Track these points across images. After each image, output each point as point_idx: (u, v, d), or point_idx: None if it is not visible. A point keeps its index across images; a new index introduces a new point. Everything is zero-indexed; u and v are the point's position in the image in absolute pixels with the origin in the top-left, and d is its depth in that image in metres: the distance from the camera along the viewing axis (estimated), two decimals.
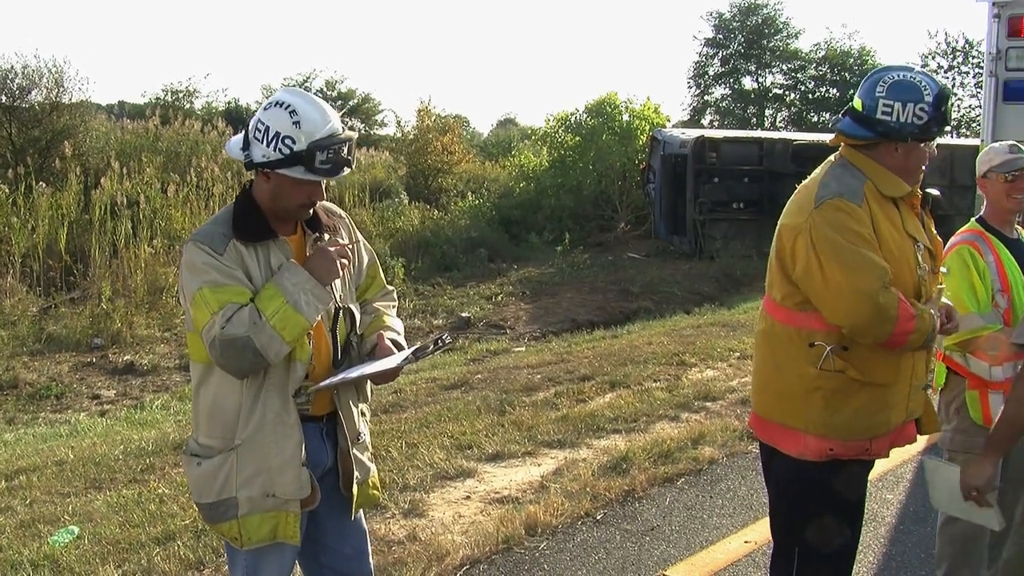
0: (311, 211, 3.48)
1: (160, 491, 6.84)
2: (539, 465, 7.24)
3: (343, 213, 3.76)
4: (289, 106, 3.26)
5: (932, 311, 3.62)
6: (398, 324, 3.83)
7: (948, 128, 3.76)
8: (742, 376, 10.00)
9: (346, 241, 3.61)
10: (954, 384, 4.61)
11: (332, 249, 3.44)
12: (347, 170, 3.37)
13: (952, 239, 4.64)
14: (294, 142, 3.22)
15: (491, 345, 14.24)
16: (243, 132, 3.38)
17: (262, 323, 3.17)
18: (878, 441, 3.75)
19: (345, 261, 3.50)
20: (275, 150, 3.24)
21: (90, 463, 7.83)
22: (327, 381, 3.48)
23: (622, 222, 25.86)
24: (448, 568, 5.45)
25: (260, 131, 3.28)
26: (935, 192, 3.97)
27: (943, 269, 4.14)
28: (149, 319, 15.53)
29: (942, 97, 3.64)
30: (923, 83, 3.66)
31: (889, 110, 3.66)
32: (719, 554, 5.71)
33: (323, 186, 3.42)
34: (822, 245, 3.58)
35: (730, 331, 12.97)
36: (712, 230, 21.88)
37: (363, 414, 3.78)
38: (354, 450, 3.68)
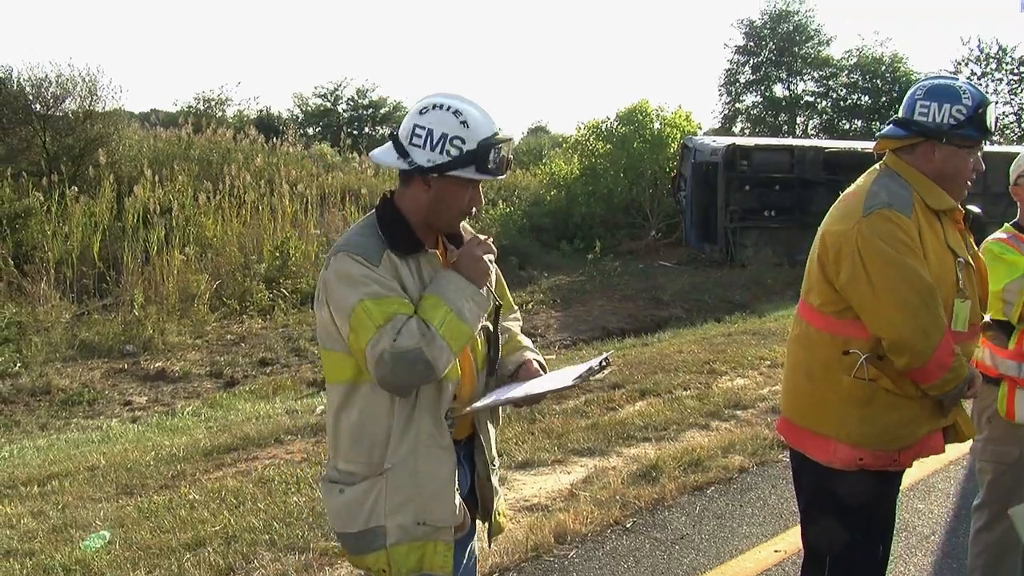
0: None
1: (191, 497, 6.88)
2: (569, 473, 7.23)
3: (474, 232, 3.56)
4: (451, 108, 3.15)
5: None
6: (531, 344, 3.71)
7: (989, 138, 3.70)
8: (772, 384, 9.96)
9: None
10: (986, 393, 4.57)
11: (478, 248, 3.29)
12: (509, 171, 3.26)
13: (984, 242, 4.62)
14: (464, 142, 3.11)
15: None
16: (390, 142, 3.24)
17: (432, 334, 3.00)
18: (905, 452, 3.73)
19: (492, 257, 3.35)
20: (442, 152, 3.11)
21: (121, 469, 7.88)
22: (482, 402, 3.31)
23: (653, 230, 25.83)
24: None
25: (421, 136, 3.14)
26: (976, 209, 3.96)
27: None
28: (181, 326, 15.63)
29: (982, 103, 3.64)
30: (963, 88, 3.68)
31: (926, 111, 3.69)
32: (749, 563, 5.68)
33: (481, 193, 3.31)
34: (871, 255, 3.55)
35: (761, 339, 12.92)
36: (743, 238, 21.82)
37: (495, 437, 3.63)
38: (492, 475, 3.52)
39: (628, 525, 6.22)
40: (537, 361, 3.56)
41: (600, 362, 3.33)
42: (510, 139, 3.22)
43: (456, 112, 3.13)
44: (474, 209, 3.29)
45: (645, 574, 5.55)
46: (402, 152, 3.17)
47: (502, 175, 3.21)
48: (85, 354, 14.30)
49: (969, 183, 3.75)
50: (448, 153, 3.10)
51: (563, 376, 3.44)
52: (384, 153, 3.23)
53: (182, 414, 11.43)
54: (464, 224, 3.47)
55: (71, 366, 13.72)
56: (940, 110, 3.66)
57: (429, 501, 3.18)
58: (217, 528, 6.13)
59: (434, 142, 3.11)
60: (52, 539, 6.23)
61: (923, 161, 3.71)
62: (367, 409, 3.16)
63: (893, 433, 3.68)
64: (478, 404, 3.29)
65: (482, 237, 3.35)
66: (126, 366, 13.88)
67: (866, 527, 3.83)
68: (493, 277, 3.44)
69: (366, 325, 2.98)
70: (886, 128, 3.85)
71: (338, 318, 3.08)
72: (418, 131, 3.14)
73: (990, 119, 3.66)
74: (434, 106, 3.16)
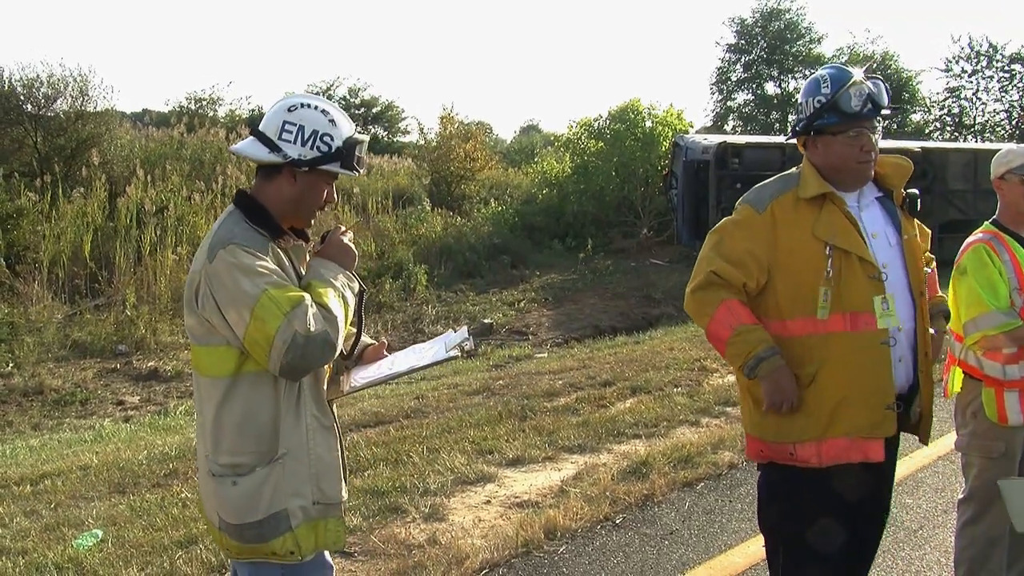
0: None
1: (183, 495, 6.90)
2: (559, 470, 7.26)
3: None
4: (319, 107, 3.29)
5: (767, 346, 3.71)
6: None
7: (862, 118, 3.74)
8: None
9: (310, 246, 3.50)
10: (970, 388, 4.61)
11: (344, 238, 3.44)
12: (364, 168, 3.42)
13: (968, 240, 4.65)
14: (332, 139, 3.24)
15: (513, 351, 14.27)
16: (253, 137, 3.30)
17: (332, 316, 3.11)
18: (803, 447, 3.78)
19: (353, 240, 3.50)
20: (313, 147, 3.23)
21: (114, 468, 7.90)
22: (360, 382, 3.51)
23: (645, 228, 25.84)
24: (467, 572, 5.46)
25: (291, 132, 3.23)
26: (914, 191, 4.02)
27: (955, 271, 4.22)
28: (173, 325, 15.65)
29: (840, 87, 3.71)
30: (824, 77, 3.78)
31: (800, 109, 3.88)
32: (737, 557, 5.71)
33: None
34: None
35: None
36: None
37: None
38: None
39: (618, 521, 6.26)
40: (372, 344, 3.74)
41: (463, 341, 3.55)
42: (366, 140, 3.39)
43: (324, 112, 3.28)
44: (333, 201, 3.46)
45: (635, 569, 5.58)
46: (272, 146, 3.24)
47: (361, 171, 3.39)
48: (77, 354, 14.34)
49: (862, 165, 3.79)
50: (318, 149, 3.24)
51: (433, 349, 3.62)
52: (251, 147, 3.29)
53: (174, 413, 11.47)
54: None
55: (63, 366, 13.74)
56: (807, 105, 3.82)
57: (321, 480, 3.29)
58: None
59: (305, 138, 3.23)
60: (45, 538, 6.25)
61: (814, 155, 3.86)
62: (251, 401, 3.18)
63: (783, 426, 3.81)
64: (357, 384, 3.50)
65: (342, 227, 3.51)
66: (118, 366, 13.91)
67: (807, 520, 3.84)
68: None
69: (273, 313, 3.00)
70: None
71: (233, 310, 3.06)
72: (288, 127, 3.24)
73: (851, 100, 3.69)
74: (302, 104, 3.30)
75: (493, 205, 27.33)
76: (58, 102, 22.41)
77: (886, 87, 3.81)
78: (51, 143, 21.72)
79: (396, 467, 7.26)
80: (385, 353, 3.70)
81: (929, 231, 4.19)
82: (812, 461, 3.77)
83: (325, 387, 3.40)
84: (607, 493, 6.59)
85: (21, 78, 22.18)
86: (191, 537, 5.99)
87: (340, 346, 3.19)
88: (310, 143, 3.23)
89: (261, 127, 3.29)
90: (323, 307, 3.11)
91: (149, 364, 13.98)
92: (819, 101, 3.76)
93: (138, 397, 12.77)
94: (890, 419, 3.76)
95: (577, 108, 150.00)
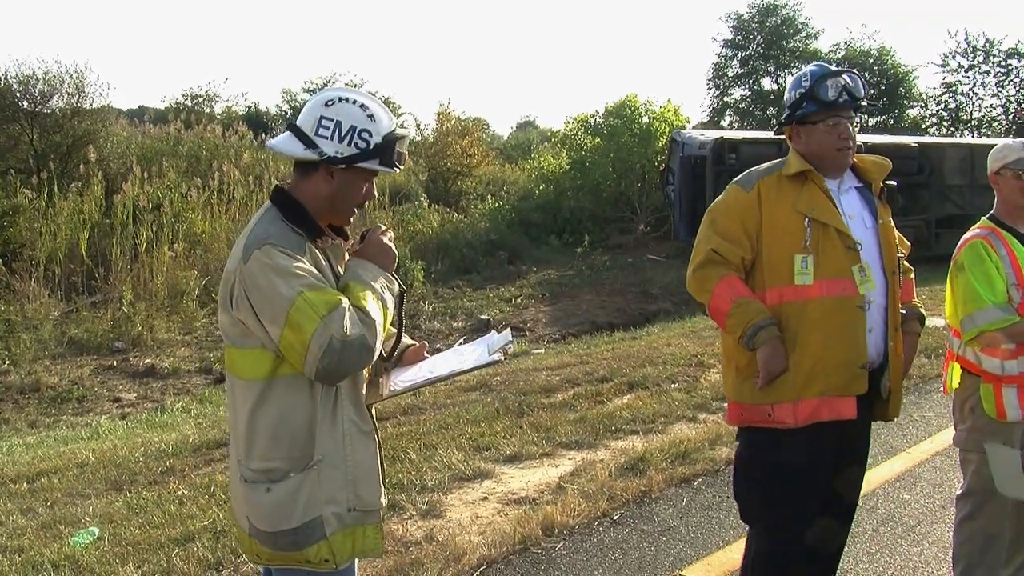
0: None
1: (180, 492, 6.89)
2: (556, 466, 7.25)
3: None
4: (357, 101, 3.18)
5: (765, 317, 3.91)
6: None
7: (839, 107, 4.07)
8: None
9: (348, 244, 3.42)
10: (968, 383, 4.60)
11: (384, 237, 3.35)
12: (404, 165, 3.34)
13: (965, 235, 4.65)
14: (371, 135, 3.14)
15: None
16: (291, 132, 3.21)
17: (370, 320, 3.02)
18: (780, 408, 3.97)
19: (392, 239, 3.41)
20: (350, 144, 3.13)
21: (111, 465, 7.89)
22: (401, 386, 3.45)
23: (642, 224, 25.86)
24: (465, 568, 5.45)
25: (328, 127, 3.13)
26: (892, 183, 4.27)
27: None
28: (170, 322, 15.64)
29: (819, 79, 4.04)
30: (806, 72, 4.14)
31: (785, 101, 4.22)
32: (735, 554, 5.68)
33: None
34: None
35: None
36: None
37: None
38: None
39: (615, 517, 6.24)
40: (412, 345, 3.71)
41: (506, 344, 3.53)
42: (408, 135, 3.30)
43: (363, 106, 3.18)
44: (371, 198, 3.38)
45: (632, 566, 5.57)
46: (308, 142, 3.15)
47: (400, 168, 3.29)
48: (74, 351, 14.31)
49: (841, 152, 4.05)
50: (356, 145, 3.14)
51: (476, 352, 3.58)
52: (287, 143, 3.19)
53: (171, 410, 11.46)
54: None
55: (60, 363, 13.72)
56: (790, 99, 4.16)
57: (358, 487, 3.21)
58: (206, 523, 6.13)
59: (342, 134, 3.13)
60: (41, 535, 6.24)
61: (798, 144, 4.15)
62: (286, 404, 3.10)
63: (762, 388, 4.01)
64: (397, 388, 3.44)
65: (382, 227, 3.42)
66: (115, 363, 13.89)
67: (775, 489, 4.08)
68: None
69: (310, 316, 2.92)
70: None
71: (268, 312, 2.98)
72: (325, 123, 3.15)
73: (828, 90, 4.01)
74: (340, 99, 3.19)
75: (490, 201, 27.33)
76: (54, 99, 22.41)
77: (863, 81, 4.13)
78: (47, 140, 21.68)
79: (393, 464, 7.24)
80: (426, 355, 3.65)
81: (909, 244, 4.40)
82: (788, 421, 3.96)
83: (364, 391, 3.32)
84: (604, 489, 6.58)
85: (17, 75, 22.18)
86: (188, 534, 5.97)
87: (378, 350, 3.11)
88: (347, 139, 3.14)
89: (298, 122, 3.20)
90: (361, 310, 3.03)
91: (146, 361, 13.96)
92: (800, 92, 4.08)
93: (135, 394, 12.75)
94: (862, 377, 3.98)
95: (574, 104, 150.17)
